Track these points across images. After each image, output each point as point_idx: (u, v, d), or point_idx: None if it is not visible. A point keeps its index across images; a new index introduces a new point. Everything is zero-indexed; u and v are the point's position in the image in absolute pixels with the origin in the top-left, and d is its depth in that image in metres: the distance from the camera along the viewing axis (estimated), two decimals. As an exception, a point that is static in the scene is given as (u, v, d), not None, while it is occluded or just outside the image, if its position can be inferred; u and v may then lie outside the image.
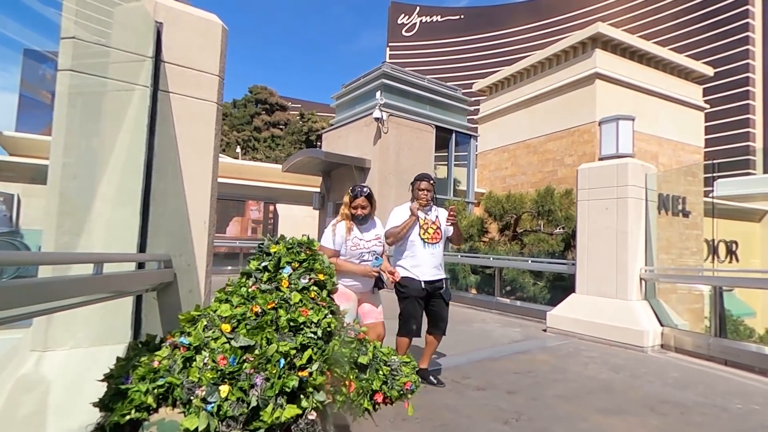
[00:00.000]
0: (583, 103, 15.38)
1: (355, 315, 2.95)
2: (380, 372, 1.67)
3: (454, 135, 11.96)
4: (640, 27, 58.08)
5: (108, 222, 2.09)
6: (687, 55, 19.57)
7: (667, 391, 3.48)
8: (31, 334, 1.97)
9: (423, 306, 3.44)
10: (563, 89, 16.22)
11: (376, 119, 10.07)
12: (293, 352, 1.40)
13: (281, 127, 41.17)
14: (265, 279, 1.71)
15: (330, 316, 1.65)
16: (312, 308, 1.60)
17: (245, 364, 1.39)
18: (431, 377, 3.51)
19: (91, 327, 2.03)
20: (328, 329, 1.57)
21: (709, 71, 18.61)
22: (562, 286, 6.82)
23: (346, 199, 2.98)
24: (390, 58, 70.73)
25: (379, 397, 1.56)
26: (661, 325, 5.14)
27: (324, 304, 1.69)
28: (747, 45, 54.91)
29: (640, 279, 5.36)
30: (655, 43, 18.10)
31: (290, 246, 1.84)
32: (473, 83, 21.25)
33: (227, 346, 1.42)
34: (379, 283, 3.10)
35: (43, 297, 1.29)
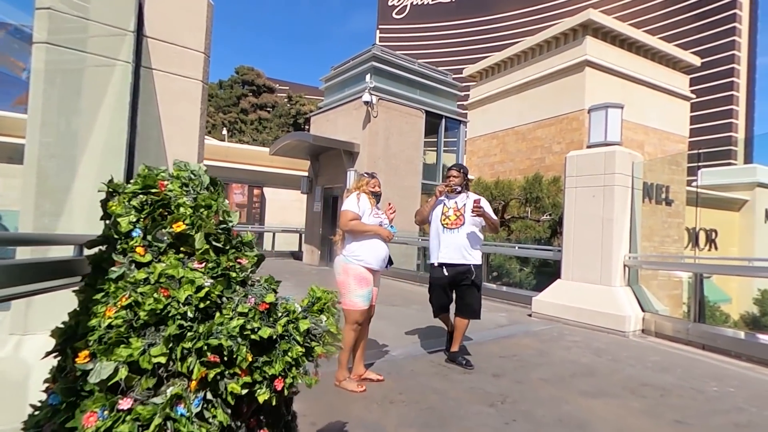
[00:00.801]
0: (573, 90, 15.42)
1: (369, 299, 3.07)
2: (291, 351, 1.20)
3: (443, 120, 11.90)
4: (629, 15, 58.08)
5: (90, 203, 2.02)
6: (674, 45, 19.66)
7: (647, 375, 3.58)
8: (9, 317, 1.91)
9: (446, 290, 3.66)
10: (553, 76, 16.22)
11: (366, 103, 9.95)
12: (162, 359, 1.04)
13: (268, 109, 40.49)
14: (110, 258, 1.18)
15: (211, 282, 1.15)
16: (182, 278, 1.13)
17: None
18: (460, 358, 3.62)
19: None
20: (208, 302, 1.12)
21: (697, 61, 18.78)
22: (547, 272, 6.93)
23: (363, 181, 3.25)
24: (380, 41, 69.60)
25: (279, 384, 1.17)
26: (643, 310, 5.26)
27: (200, 266, 1.18)
28: (733, 36, 55.48)
29: (624, 265, 5.47)
30: (643, 31, 18.12)
31: (133, 193, 1.24)
32: (463, 68, 21.09)
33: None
34: (389, 262, 3.28)
35: (21, 279, 1.25)
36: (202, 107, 2.37)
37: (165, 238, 1.21)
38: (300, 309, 1.35)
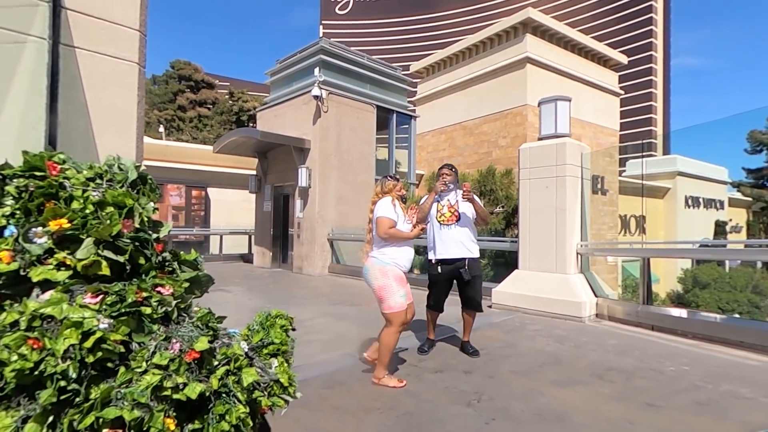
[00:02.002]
0: (515, 86, 15.96)
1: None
2: (230, 414, 0.87)
3: (394, 115, 11.82)
4: (562, 16, 61.52)
5: None
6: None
7: (609, 359, 3.68)
8: None
9: (444, 284, 3.77)
10: (496, 72, 16.69)
11: (315, 97, 9.62)
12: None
13: (208, 106, 38.51)
14: None
15: (108, 323, 0.81)
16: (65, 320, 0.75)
17: None
18: (468, 347, 3.84)
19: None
20: (101, 353, 0.78)
21: (624, 59, 20.17)
22: (504, 263, 7.05)
23: (389, 185, 3.26)
24: (323, 37, 68.61)
25: None
26: (595, 296, 5.48)
27: (95, 300, 0.82)
28: (651, 38, 60.52)
29: (577, 253, 5.66)
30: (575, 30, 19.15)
31: (12, 175, 0.96)
32: (408, 65, 21.19)
33: None
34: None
35: None
36: (140, 94, 2.05)
37: (43, 240, 0.84)
38: (245, 348, 1.01)
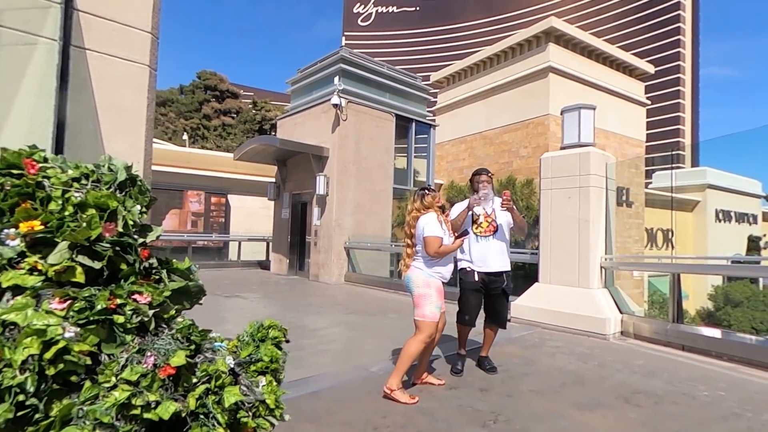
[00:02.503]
0: (537, 95, 15.72)
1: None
2: None
3: (414, 124, 11.77)
4: (587, 26, 60.83)
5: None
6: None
7: (636, 380, 3.46)
8: None
9: (479, 298, 3.56)
10: (518, 82, 16.49)
11: (335, 105, 9.65)
12: None
13: (233, 115, 39.38)
14: None
15: (75, 332, 0.74)
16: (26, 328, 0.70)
17: None
18: (485, 363, 3.68)
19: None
20: (62, 365, 0.71)
21: (651, 69, 19.67)
22: (523, 275, 6.83)
23: (429, 198, 3.22)
24: (344, 46, 69.59)
25: None
26: (620, 312, 5.22)
27: (62, 306, 0.76)
28: (678, 48, 59.12)
29: (601, 267, 5.42)
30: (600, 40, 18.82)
31: None
32: (429, 75, 21.19)
33: None
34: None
35: None
36: (150, 96, 2.02)
37: (15, 243, 0.77)
38: (231, 364, 0.91)
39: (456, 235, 3.23)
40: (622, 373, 3.64)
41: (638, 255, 7.26)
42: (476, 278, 3.50)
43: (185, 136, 25.10)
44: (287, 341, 1.12)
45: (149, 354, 0.78)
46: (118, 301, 0.79)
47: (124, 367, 0.75)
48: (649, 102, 19.75)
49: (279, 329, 1.07)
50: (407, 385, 3.17)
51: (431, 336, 3.04)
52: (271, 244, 12.80)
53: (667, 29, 59.66)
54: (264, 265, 13.04)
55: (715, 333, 4.46)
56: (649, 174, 22.70)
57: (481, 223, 3.57)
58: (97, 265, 0.78)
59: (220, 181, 14.26)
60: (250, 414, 0.90)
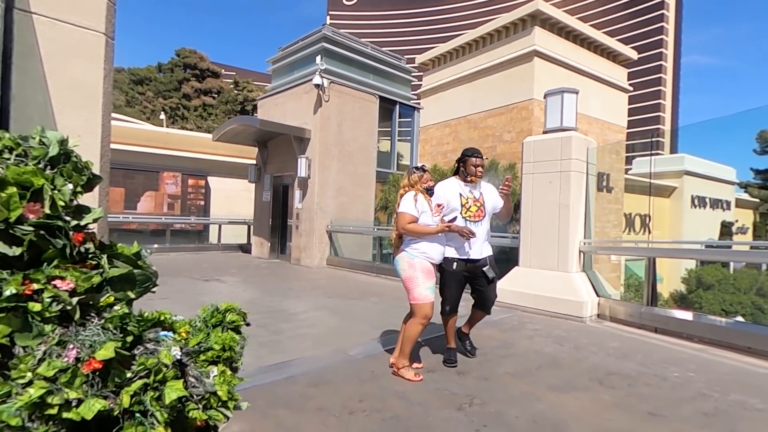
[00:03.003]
0: (522, 80, 15.65)
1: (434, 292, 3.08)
2: None
3: (397, 107, 11.60)
4: (571, 11, 60.68)
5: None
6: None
7: (610, 362, 3.52)
8: None
9: (462, 286, 3.43)
10: (503, 65, 16.38)
11: (317, 86, 9.42)
12: None
13: (213, 95, 38.34)
14: None
15: None
16: None
17: None
18: (467, 343, 3.67)
19: None
20: None
21: (634, 55, 19.77)
22: (504, 259, 6.87)
23: (415, 177, 3.12)
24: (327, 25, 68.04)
25: None
26: (597, 295, 5.30)
27: None
28: (661, 35, 59.63)
29: (579, 251, 5.48)
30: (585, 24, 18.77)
31: None
32: (414, 57, 20.88)
33: None
34: None
35: None
36: (107, 68, 1.88)
37: None
38: (177, 356, 0.81)
39: (444, 221, 3.12)
40: (597, 356, 3.70)
41: (616, 239, 7.37)
42: (458, 266, 3.33)
43: (163, 116, 24.34)
44: (247, 324, 1.05)
45: (71, 346, 0.69)
46: (35, 286, 0.69)
47: (41, 361, 0.66)
48: (631, 88, 19.91)
49: (238, 312, 1.00)
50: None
51: (427, 316, 3.00)
52: (252, 227, 12.61)
53: (651, 16, 60.02)
54: (245, 248, 12.87)
55: (687, 316, 4.57)
56: (629, 160, 23.06)
57: (470, 207, 3.34)
58: (14, 251, 0.69)
59: (199, 163, 13.91)
60: (200, 406, 0.83)
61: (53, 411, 0.64)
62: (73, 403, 0.65)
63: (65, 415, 0.64)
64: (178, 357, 0.82)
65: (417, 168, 3.19)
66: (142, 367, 0.75)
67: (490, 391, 2.87)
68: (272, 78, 11.98)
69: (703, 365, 3.49)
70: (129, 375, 0.73)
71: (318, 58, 9.67)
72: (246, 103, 36.90)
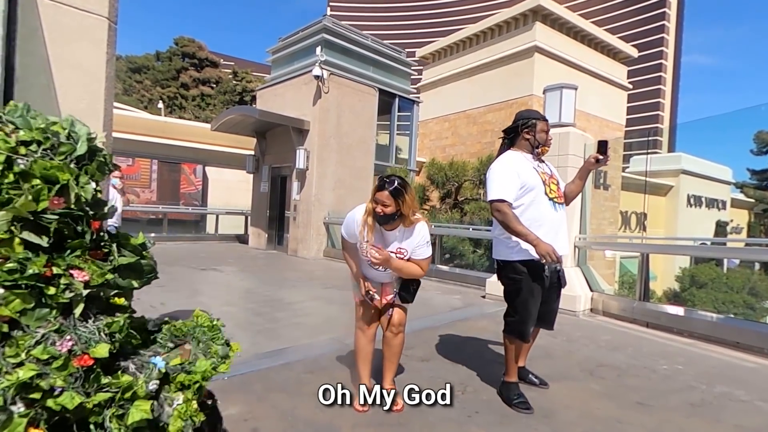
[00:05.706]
0: (522, 75, 15.66)
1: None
2: None
3: (397, 100, 11.60)
4: (573, 7, 60.48)
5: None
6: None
7: (601, 354, 3.58)
8: None
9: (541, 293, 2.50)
10: (503, 60, 16.37)
11: (316, 77, 9.40)
12: None
13: (212, 85, 38.07)
14: None
15: None
16: None
17: None
18: (530, 376, 2.85)
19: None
20: None
21: (634, 53, 19.78)
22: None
23: (374, 190, 2.23)
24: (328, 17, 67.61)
25: None
26: (591, 290, 5.37)
27: None
28: (663, 33, 59.53)
29: (574, 246, 5.53)
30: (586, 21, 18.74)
31: None
32: (415, 51, 20.82)
33: None
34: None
35: None
36: (110, 52, 1.89)
37: None
38: (152, 390, 0.78)
39: (369, 248, 2.21)
40: (588, 348, 3.76)
41: (611, 235, 7.45)
42: (550, 272, 2.44)
43: (161, 105, 24.19)
44: (227, 345, 1.02)
45: (68, 337, 0.70)
46: (55, 270, 0.72)
47: (38, 343, 0.67)
48: (631, 86, 19.94)
49: (215, 329, 0.98)
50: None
51: (357, 318, 2.68)
52: (249, 217, 12.62)
53: (653, 14, 59.86)
54: (242, 239, 12.89)
55: (678, 311, 4.64)
56: (626, 158, 23.15)
57: (551, 185, 2.49)
58: (43, 241, 0.72)
59: (197, 152, 13.88)
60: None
61: (37, 395, 0.65)
62: (56, 392, 0.66)
63: (48, 402, 0.65)
64: (153, 390, 0.79)
65: (380, 178, 2.27)
66: (116, 381, 0.75)
67: (483, 379, 2.92)
68: (272, 68, 11.94)
69: (691, 359, 3.56)
70: (105, 381, 0.73)
71: (318, 49, 9.65)
72: (245, 94, 36.70)
